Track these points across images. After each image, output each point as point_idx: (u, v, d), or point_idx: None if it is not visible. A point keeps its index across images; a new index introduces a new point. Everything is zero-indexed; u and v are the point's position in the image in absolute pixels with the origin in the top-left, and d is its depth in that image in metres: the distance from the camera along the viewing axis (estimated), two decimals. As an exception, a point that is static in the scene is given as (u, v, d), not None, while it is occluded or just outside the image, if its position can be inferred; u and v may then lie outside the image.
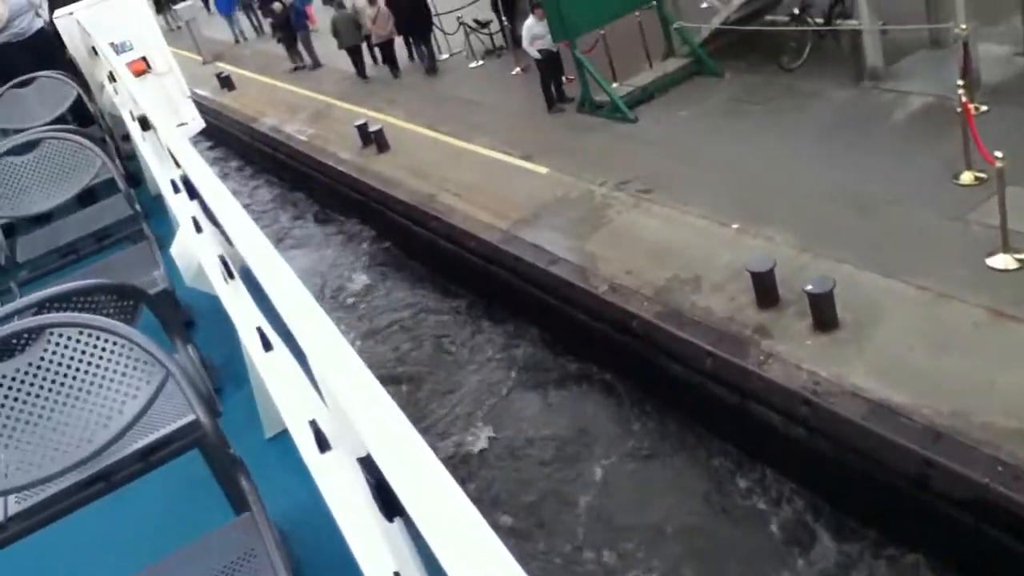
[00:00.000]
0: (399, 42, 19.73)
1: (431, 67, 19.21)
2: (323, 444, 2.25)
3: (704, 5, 14.64)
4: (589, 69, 13.76)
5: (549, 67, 14.57)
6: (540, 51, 14.25)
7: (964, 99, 8.86)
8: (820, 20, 13.29)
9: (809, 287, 7.92)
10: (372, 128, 15.60)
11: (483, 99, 16.58)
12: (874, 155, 10.44)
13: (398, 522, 1.64)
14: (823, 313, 7.90)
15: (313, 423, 2.31)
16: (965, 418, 6.69)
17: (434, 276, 13.30)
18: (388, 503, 1.53)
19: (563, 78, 15.06)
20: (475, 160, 13.99)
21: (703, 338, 8.39)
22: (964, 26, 10.26)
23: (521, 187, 12.54)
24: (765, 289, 8.42)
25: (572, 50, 13.78)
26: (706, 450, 8.60)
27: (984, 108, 10.55)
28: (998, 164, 7.67)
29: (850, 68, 12.61)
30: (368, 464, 1.54)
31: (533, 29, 14.14)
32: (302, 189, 18.07)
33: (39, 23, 7.87)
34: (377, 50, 20.24)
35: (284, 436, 2.68)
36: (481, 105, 16.30)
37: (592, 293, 9.64)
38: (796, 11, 13.25)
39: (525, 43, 14.50)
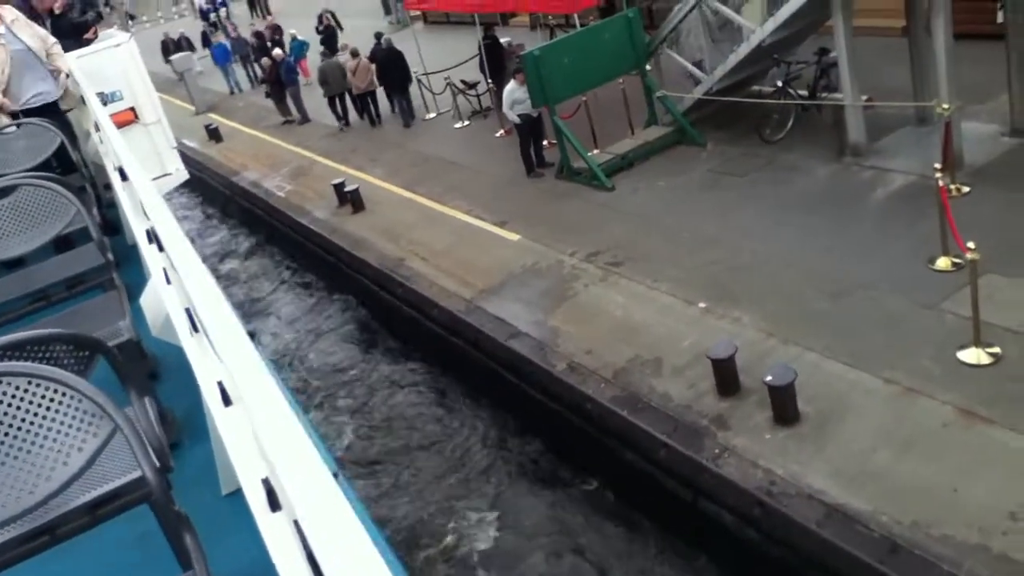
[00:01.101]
0: (383, 95, 19.95)
1: (408, 120, 19.56)
2: (275, 503, 2.24)
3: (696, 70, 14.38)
4: (567, 135, 13.48)
5: (529, 132, 14.28)
6: (520, 116, 13.99)
7: (941, 184, 8.48)
8: (804, 92, 13.04)
9: (769, 378, 7.47)
10: (349, 187, 15.31)
11: (464, 160, 16.30)
12: (851, 235, 10.06)
13: None
14: (784, 406, 7.44)
15: (266, 481, 2.29)
16: (925, 529, 6.20)
17: (396, 342, 12.87)
18: (317, 570, 1.50)
19: (543, 143, 14.78)
20: (448, 224, 13.65)
21: (658, 427, 7.93)
22: (947, 106, 9.94)
23: (491, 254, 12.17)
24: (726, 377, 7.98)
25: (551, 116, 13.51)
26: (655, 547, 8.06)
27: (966, 189, 10.25)
28: (970, 256, 7.25)
29: (833, 142, 12.30)
30: (299, 529, 1.52)
31: (514, 94, 13.89)
32: (277, 245, 17.72)
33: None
34: (359, 101, 20.48)
35: (240, 493, 2.57)
36: (461, 167, 16.01)
37: (549, 372, 9.20)
38: (780, 83, 12.99)
39: (505, 107, 14.25)
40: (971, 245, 7.25)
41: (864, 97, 12.05)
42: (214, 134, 23.05)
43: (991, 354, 7.56)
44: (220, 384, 2.96)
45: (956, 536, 6.07)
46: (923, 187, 10.33)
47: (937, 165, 8.77)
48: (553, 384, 9.14)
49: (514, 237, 12.47)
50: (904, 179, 11.00)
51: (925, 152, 10.93)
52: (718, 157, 13.29)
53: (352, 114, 20.79)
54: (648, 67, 14.46)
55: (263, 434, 1.67)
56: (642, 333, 9.36)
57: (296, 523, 1.61)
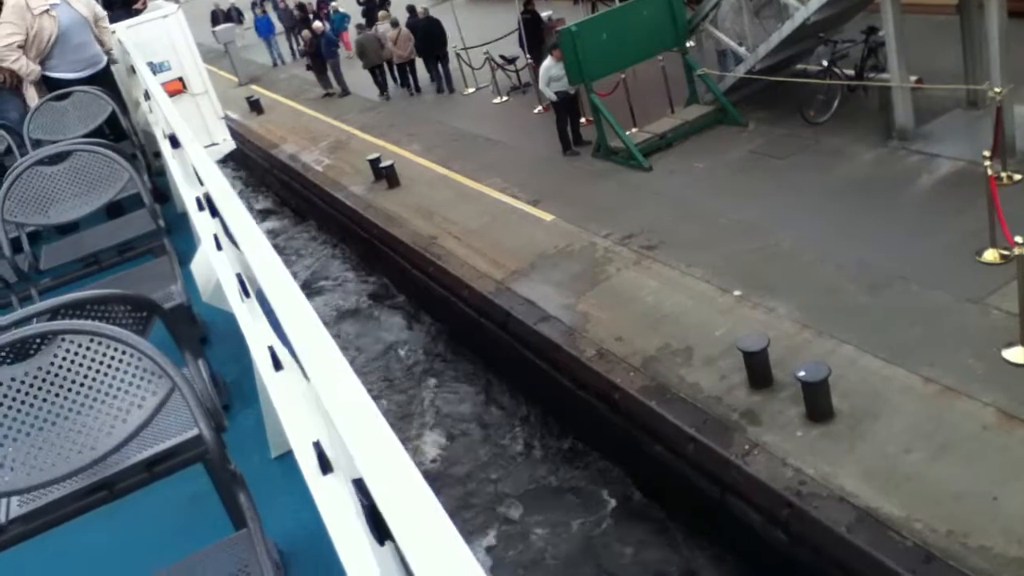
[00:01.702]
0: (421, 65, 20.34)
1: (447, 89, 19.99)
2: (325, 466, 2.31)
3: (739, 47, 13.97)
4: (604, 114, 13.19)
5: (565, 109, 14.04)
6: (557, 93, 13.72)
7: (990, 172, 8.11)
8: (851, 72, 12.60)
9: (802, 373, 7.20)
10: (385, 163, 15.18)
11: (501, 137, 16.09)
12: (894, 223, 9.70)
13: (389, 546, 1.60)
14: (816, 402, 7.19)
15: (317, 444, 2.36)
16: (962, 538, 5.94)
17: (427, 321, 12.77)
18: (379, 527, 1.51)
19: (580, 120, 14.51)
20: (482, 202, 13.46)
21: (686, 420, 7.71)
22: (998, 89, 9.51)
23: (524, 234, 11.97)
24: (757, 370, 7.74)
25: (588, 93, 13.23)
26: (680, 544, 7.88)
27: (1018, 177, 9.84)
28: (1018, 250, 6.92)
29: (879, 125, 11.89)
30: (361, 487, 1.54)
31: (550, 71, 13.62)
32: (313, 219, 17.70)
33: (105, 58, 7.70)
34: (398, 71, 21.02)
35: (290, 456, 2.69)
36: (497, 143, 15.81)
37: (577, 359, 9.01)
38: (825, 63, 12.56)
39: (542, 84, 14.00)
40: (1019, 239, 6.91)
41: (913, 78, 11.61)
42: (255, 106, 23.05)
43: (1039, 353, 7.24)
44: (271, 349, 3.03)
45: (994, 548, 5.81)
46: (972, 174, 9.92)
47: (986, 153, 8.38)
48: (581, 371, 8.95)
49: (548, 217, 12.25)
50: (952, 165, 10.58)
51: (975, 137, 10.50)
52: (759, 138, 12.93)
53: (391, 85, 21.07)
54: (690, 43, 14.11)
55: (327, 395, 1.65)
56: (674, 321, 9.13)
57: (358, 483, 1.59)
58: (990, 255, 8.57)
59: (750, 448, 7.22)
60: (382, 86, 21.03)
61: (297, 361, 2.61)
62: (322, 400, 1.69)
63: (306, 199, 17.56)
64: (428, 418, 10.76)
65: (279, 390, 2.84)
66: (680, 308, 9.32)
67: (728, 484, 7.19)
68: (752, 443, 7.25)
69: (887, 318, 8.23)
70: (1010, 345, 7.36)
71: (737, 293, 9.26)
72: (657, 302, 9.55)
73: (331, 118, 20.59)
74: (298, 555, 2.99)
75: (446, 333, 12.23)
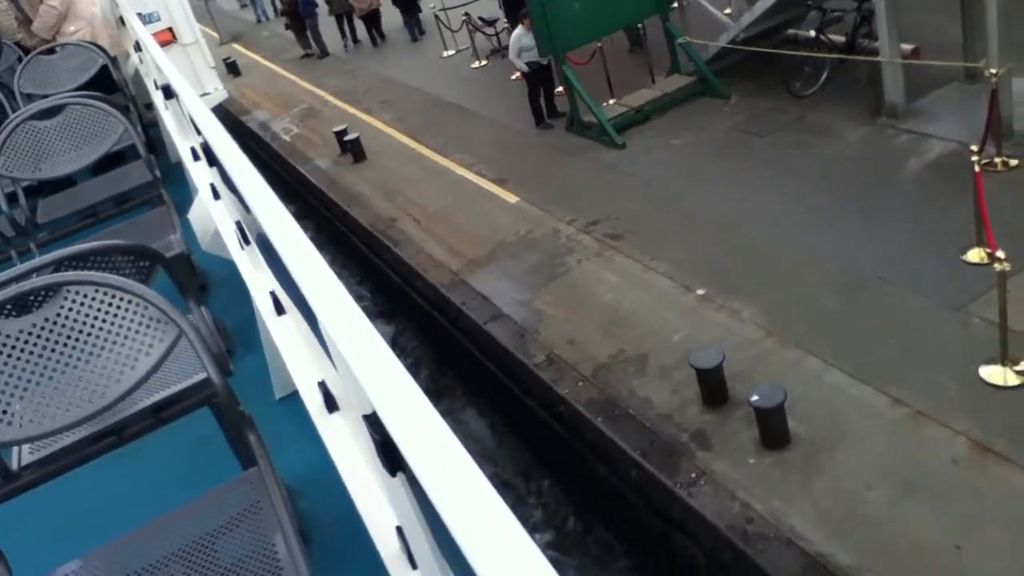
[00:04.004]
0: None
1: (415, 35, 20.51)
2: (331, 404, 2.40)
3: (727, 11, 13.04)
4: (577, 88, 12.34)
5: (538, 81, 13.20)
6: (528, 63, 12.88)
7: (977, 168, 7.31)
8: (842, 40, 11.70)
9: (755, 398, 6.50)
10: (351, 136, 14.40)
11: (475, 106, 15.28)
12: (876, 213, 8.93)
13: (400, 477, 1.66)
14: (771, 428, 6.51)
15: (322, 384, 2.44)
16: (918, 597, 5.30)
17: (387, 311, 12.10)
18: (391, 458, 1.58)
19: (555, 90, 13.67)
20: (447, 180, 12.71)
21: (632, 442, 7.04)
22: (994, 70, 8.64)
23: (486, 218, 11.24)
24: (712, 387, 7.05)
25: (560, 64, 12.38)
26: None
27: (1014, 163, 9.04)
28: (999, 266, 6.16)
29: (869, 100, 11.03)
30: (373, 421, 1.55)
31: (521, 40, 12.76)
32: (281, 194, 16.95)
33: None
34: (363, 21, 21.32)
35: (294, 397, 2.74)
36: (470, 113, 15.00)
37: (525, 364, 8.33)
38: (813, 32, 11.67)
39: (512, 55, 13.14)
40: (1001, 254, 6.16)
41: (909, 47, 10.74)
42: (232, 68, 22.20)
43: (1019, 373, 6.51)
44: (272, 294, 3.13)
45: (952, 609, 5.17)
46: (963, 157, 8.96)
47: (974, 147, 7.54)
48: (529, 378, 8.28)
49: (512, 199, 11.50)
50: (944, 147, 9.76)
51: (971, 115, 9.65)
52: (742, 112, 12.09)
53: (362, 35, 21.49)
54: (674, 5, 13.20)
55: (336, 333, 1.60)
56: (631, 323, 8.43)
57: (370, 418, 1.58)
58: (975, 255, 7.80)
59: (697, 477, 6.55)
60: (344, 35, 21.46)
61: (301, 304, 2.76)
62: (332, 338, 1.66)
63: (274, 172, 16.78)
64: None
65: (282, 334, 2.95)
66: (639, 308, 8.62)
67: (672, 517, 6.54)
68: (700, 471, 6.58)
69: (860, 325, 7.51)
70: (989, 362, 6.63)
71: (700, 292, 8.53)
72: (616, 300, 8.84)
73: (306, 82, 19.77)
74: (307, 491, 3.03)
75: (403, 327, 11.54)
